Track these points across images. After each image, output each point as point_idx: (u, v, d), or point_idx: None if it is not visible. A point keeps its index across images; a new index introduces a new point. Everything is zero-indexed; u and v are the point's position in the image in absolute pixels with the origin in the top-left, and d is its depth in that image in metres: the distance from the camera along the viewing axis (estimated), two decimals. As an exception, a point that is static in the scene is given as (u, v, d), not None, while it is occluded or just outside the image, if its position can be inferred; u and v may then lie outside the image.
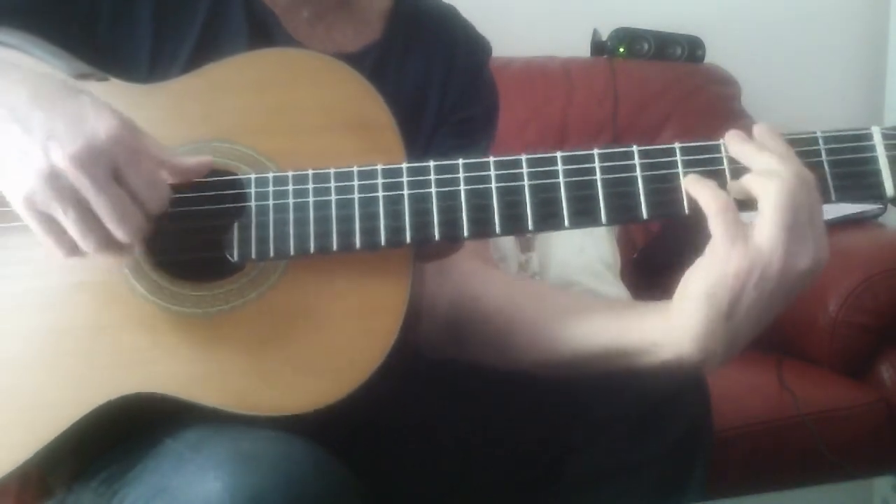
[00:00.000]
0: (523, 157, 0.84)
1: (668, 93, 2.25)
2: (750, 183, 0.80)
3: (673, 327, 0.82)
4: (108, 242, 0.76)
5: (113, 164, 0.74)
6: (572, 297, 0.98)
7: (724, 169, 0.82)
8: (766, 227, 0.77)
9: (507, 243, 1.93)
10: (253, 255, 0.83)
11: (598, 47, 2.32)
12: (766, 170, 0.79)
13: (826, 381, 1.73)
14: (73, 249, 0.77)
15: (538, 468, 0.97)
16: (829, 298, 1.75)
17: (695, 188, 0.81)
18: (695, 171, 0.82)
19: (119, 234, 0.75)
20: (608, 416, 0.95)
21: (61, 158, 0.73)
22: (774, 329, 1.91)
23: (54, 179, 0.73)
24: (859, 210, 1.96)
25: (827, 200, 0.82)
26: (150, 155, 0.77)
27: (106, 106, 0.76)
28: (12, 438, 0.81)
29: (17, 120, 0.75)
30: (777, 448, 1.60)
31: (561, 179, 0.83)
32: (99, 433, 0.82)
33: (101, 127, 0.74)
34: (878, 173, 0.82)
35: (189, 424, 0.80)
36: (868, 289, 1.73)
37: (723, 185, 0.82)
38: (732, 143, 0.83)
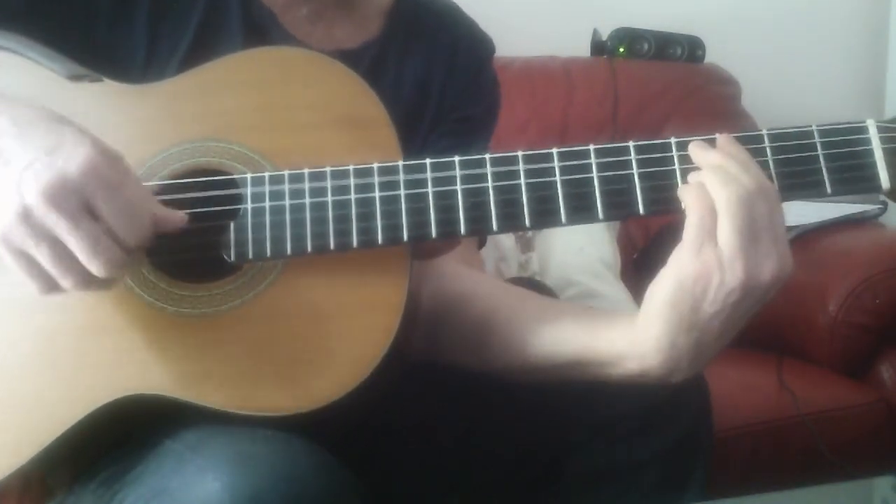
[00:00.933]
0: (520, 154, 0.83)
1: (668, 93, 2.25)
2: (707, 187, 0.79)
3: (638, 339, 0.82)
4: (85, 278, 0.74)
5: (85, 199, 0.72)
6: (548, 303, 0.97)
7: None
8: (724, 234, 0.77)
9: (508, 243, 1.93)
10: (250, 256, 0.83)
11: (598, 47, 2.32)
12: (723, 178, 0.79)
13: (826, 381, 1.73)
14: (51, 286, 0.75)
15: (538, 468, 0.97)
16: (829, 298, 1.75)
17: (683, 190, 0.81)
18: (690, 167, 0.82)
19: (94, 269, 0.73)
20: (609, 416, 0.95)
21: (32, 195, 0.71)
22: (774, 329, 1.92)
23: (27, 216, 0.72)
24: (859, 210, 1.96)
25: (822, 194, 0.82)
26: (127, 188, 0.75)
27: (88, 138, 0.74)
28: (12, 440, 0.81)
29: None
30: (777, 448, 1.60)
31: (557, 177, 0.83)
32: (98, 434, 0.82)
33: (74, 160, 0.72)
34: (873, 166, 0.83)
35: (188, 425, 0.80)
36: (868, 289, 1.73)
37: None
38: (694, 152, 0.82)
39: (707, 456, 0.99)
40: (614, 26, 2.30)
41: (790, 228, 1.88)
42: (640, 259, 2.08)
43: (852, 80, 2.65)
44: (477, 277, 1.04)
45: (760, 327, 1.89)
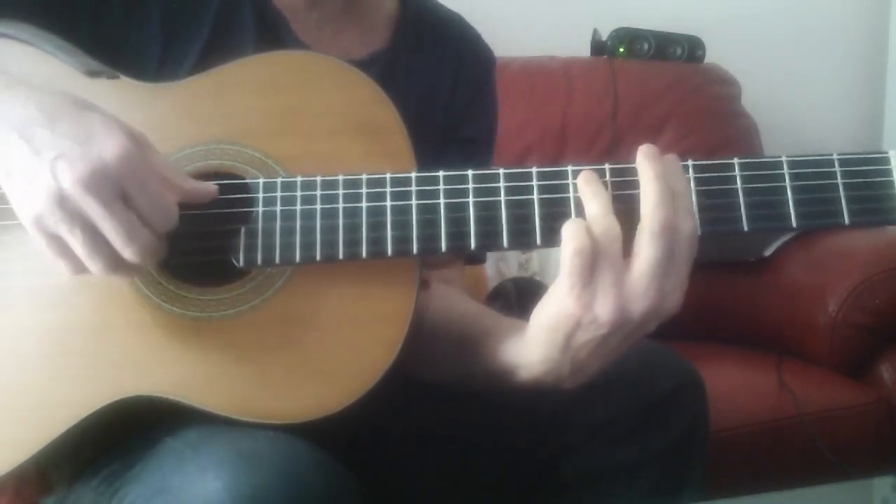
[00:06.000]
0: (534, 170, 0.82)
1: (668, 93, 2.24)
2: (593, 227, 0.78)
3: (523, 353, 0.85)
4: (115, 263, 0.76)
5: (120, 186, 0.74)
6: (482, 321, 0.97)
7: (736, 188, 0.81)
8: (599, 276, 0.77)
9: (508, 243, 1.92)
10: (259, 261, 0.82)
11: (598, 47, 2.32)
12: (606, 223, 0.78)
13: (826, 381, 1.73)
14: (80, 268, 0.77)
15: (537, 468, 0.98)
16: (829, 298, 1.75)
17: (566, 226, 0.79)
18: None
19: (127, 254, 0.75)
20: (606, 417, 0.95)
21: (69, 182, 0.72)
22: (774, 329, 1.91)
23: (62, 202, 0.73)
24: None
25: (839, 224, 0.81)
26: (157, 175, 0.77)
27: (115, 123, 0.76)
28: (14, 436, 0.81)
29: (26, 138, 0.74)
30: (777, 448, 1.60)
31: (571, 195, 0.82)
32: (101, 432, 0.83)
33: (108, 148, 0.73)
34: (893, 198, 0.81)
35: (189, 423, 0.81)
36: (868, 289, 1.73)
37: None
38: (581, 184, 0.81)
39: (705, 456, 0.99)
40: (614, 26, 2.30)
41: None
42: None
43: (852, 80, 2.65)
44: (453, 298, 1.04)
45: (760, 327, 1.90)
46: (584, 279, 0.77)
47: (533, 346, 0.83)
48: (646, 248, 0.76)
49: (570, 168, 0.82)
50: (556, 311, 0.79)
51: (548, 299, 0.81)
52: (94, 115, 0.76)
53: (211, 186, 0.82)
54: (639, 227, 0.77)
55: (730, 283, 1.91)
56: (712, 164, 0.82)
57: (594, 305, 0.77)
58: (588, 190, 0.79)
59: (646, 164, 0.78)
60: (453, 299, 1.02)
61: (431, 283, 1.00)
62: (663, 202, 0.77)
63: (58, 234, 0.74)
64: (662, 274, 0.76)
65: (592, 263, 0.77)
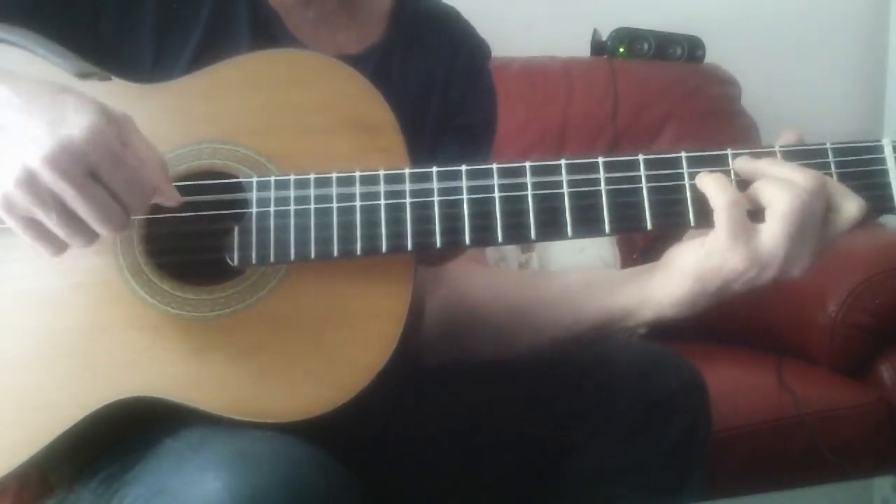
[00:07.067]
0: (527, 165, 0.83)
1: (668, 93, 2.24)
2: (760, 189, 0.81)
3: (655, 293, 0.87)
4: (93, 238, 0.77)
5: (89, 165, 0.74)
6: (563, 282, 0.98)
7: (731, 179, 0.82)
8: (772, 235, 0.79)
9: (508, 243, 1.92)
10: (253, 260, 0.83)
11: (598, 47, 2.32)
12: (780, 178, 0.80)
13: (826, 381, 1.73)
14: (59, 249, 0.77)
15: (538, 468, 0.97)
16: (829, 298, 1.75)
17: (703, 181, 0.82)
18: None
19: (103, 232, 0.76)
20: (608, 416, 0.95)
21: (36, 161, 0.72)
22: (774, 329, 1.91)
23: (30, 183, 0.73)
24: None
25: None
26: (132, 154, 0.76)
27: (91, 104, 0.75)
28: (12, 438, 0.81)
29: (0, 124, 0.74)
30: (777, 448, 1.60)
31: (565, 189, 0.82)
32: (99, 434, 0.83)
33: (77, 127, 0.73)
34: (887, 186, 0.82)
35: (189, 424, 0.81)
36: (868, 289, 1.73)
37: None
38: (743, 163, 0.84)
39: (705, 455, 0.99)
40: (614, 26, 2.30)
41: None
42: (640, 259, 2.08)
43: (852, 80, 2.65)
44: (481, 270, 1.04)
45: (760, 327, 1.90)
46: (746, 233, 0.79)
47: (673, 290, 0.85)
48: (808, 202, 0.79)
49: (563, 162, 0.83)
50: (716, 266, 0.81)
51: (701, 250, 0.82)
52: (70, 96, 0.76)
53: (178, 196, 0.81)
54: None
55: (730, 283, 1.91)
56: (707, 155, 0.83)
57: (762, 262, 0.79)
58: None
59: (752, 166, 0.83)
60: (493, 276, 1.03)
61: (458, 265, 1.01)
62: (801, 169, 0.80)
63: (31, 216, 0.75)
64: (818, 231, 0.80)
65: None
